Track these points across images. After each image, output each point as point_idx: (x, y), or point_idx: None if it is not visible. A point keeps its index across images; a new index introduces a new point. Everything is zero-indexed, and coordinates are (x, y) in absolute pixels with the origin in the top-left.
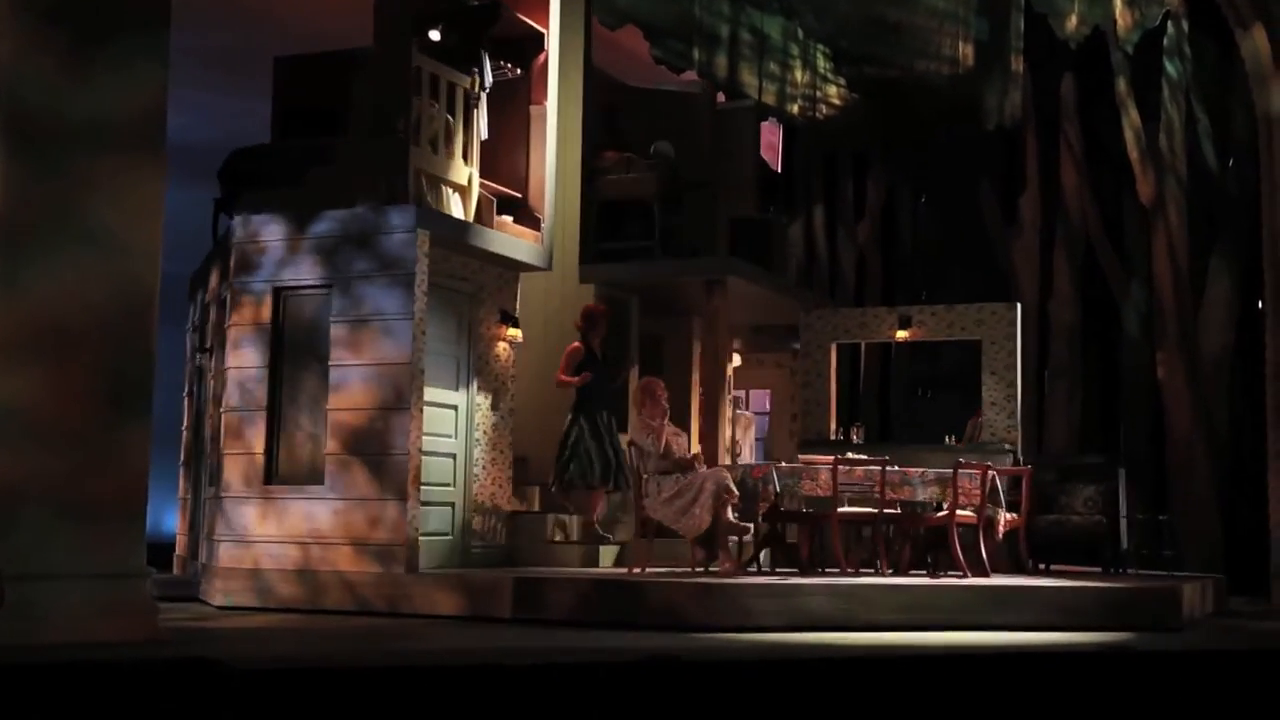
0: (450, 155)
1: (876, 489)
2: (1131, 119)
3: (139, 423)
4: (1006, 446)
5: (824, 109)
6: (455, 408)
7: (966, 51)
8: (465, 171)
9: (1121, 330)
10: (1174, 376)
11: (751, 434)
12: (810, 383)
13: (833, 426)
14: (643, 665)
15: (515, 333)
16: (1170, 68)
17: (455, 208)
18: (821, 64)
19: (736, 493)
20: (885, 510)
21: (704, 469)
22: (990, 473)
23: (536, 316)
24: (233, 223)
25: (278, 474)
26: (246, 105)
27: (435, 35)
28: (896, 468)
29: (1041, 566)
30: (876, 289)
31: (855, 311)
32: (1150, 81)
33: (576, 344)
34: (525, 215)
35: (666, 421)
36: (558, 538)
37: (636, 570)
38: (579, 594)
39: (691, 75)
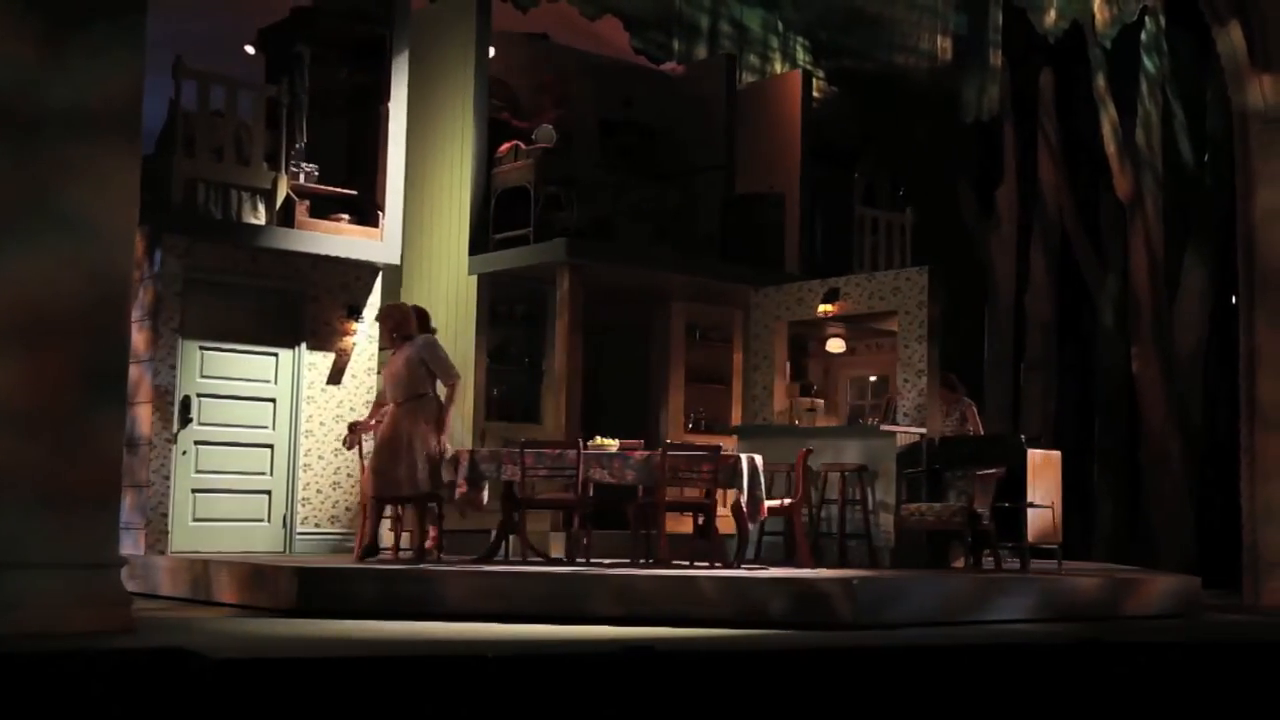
0: (246, 161)
1: (572, 472)
2: (1109, 114)
3: (113, 410)
4: (876, 425)
5: None
6: (273, 400)
7: (945, 45)
8: (269, 176)
9: (1097, 323)
10: (1149, 369)
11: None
12: (758, 365)
13: (777, 409)
14: (620, 656)
15: (356, 326)
16: (1148, 63)
17: (253, 212)
18: (801, 56)
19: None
20: (585, 496)
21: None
22: (737, 457)
23: (437, 310)
24: None
25: None
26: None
27: (250, 50)
28: (595, 450)
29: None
30: None
31: (794, 287)
32: (1128, 76)
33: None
34: (372, 213)
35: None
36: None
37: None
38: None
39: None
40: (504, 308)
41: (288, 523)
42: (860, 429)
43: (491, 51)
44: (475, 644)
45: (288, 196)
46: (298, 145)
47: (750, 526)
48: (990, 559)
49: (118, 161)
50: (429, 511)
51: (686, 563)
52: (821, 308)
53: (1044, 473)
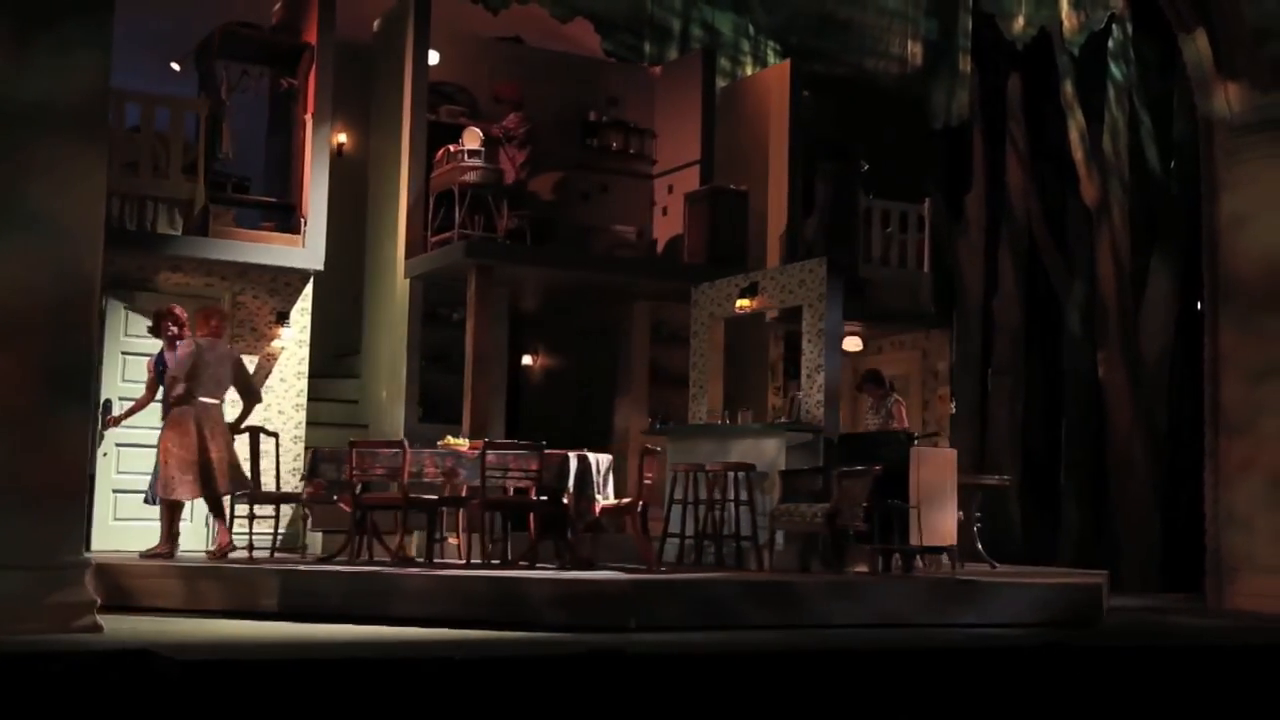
0: (163, 174)
1: (400, 474)
2: (1077, 120)
3: (78, 409)
4: (775, 422)
5: None
6: None
7: (915, 50)
8: (187, 187)
9: (1064, 329)
10: (1115, 374)
11: None
12: (696, 364)
13: (715, 408)
14: (582, 659)
15: (283, 330)
16: (1115, 70)
17: (170, 223)
18: (772, 60)
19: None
20: (411, 496)
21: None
22: (566, 455)
23: (379, 313)
24: None
25: None
26: (180, 89)
27: (176, 66)
28: (434, 451)
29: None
30: None
31: (724, 283)
32: (1095, 83)
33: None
34: (297, 220)
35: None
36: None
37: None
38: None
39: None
40: (445, 310)
41: (209, 523)
42: (756, 427)
43: (436, 57)
44: (439, 645)
45: (205, 206)
46: (221, 155)
47: (584, 524)
48: (899, 559)
49: (84, 160)
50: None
51: (527, 564)
52: (739, 303)
53: (934, 472)
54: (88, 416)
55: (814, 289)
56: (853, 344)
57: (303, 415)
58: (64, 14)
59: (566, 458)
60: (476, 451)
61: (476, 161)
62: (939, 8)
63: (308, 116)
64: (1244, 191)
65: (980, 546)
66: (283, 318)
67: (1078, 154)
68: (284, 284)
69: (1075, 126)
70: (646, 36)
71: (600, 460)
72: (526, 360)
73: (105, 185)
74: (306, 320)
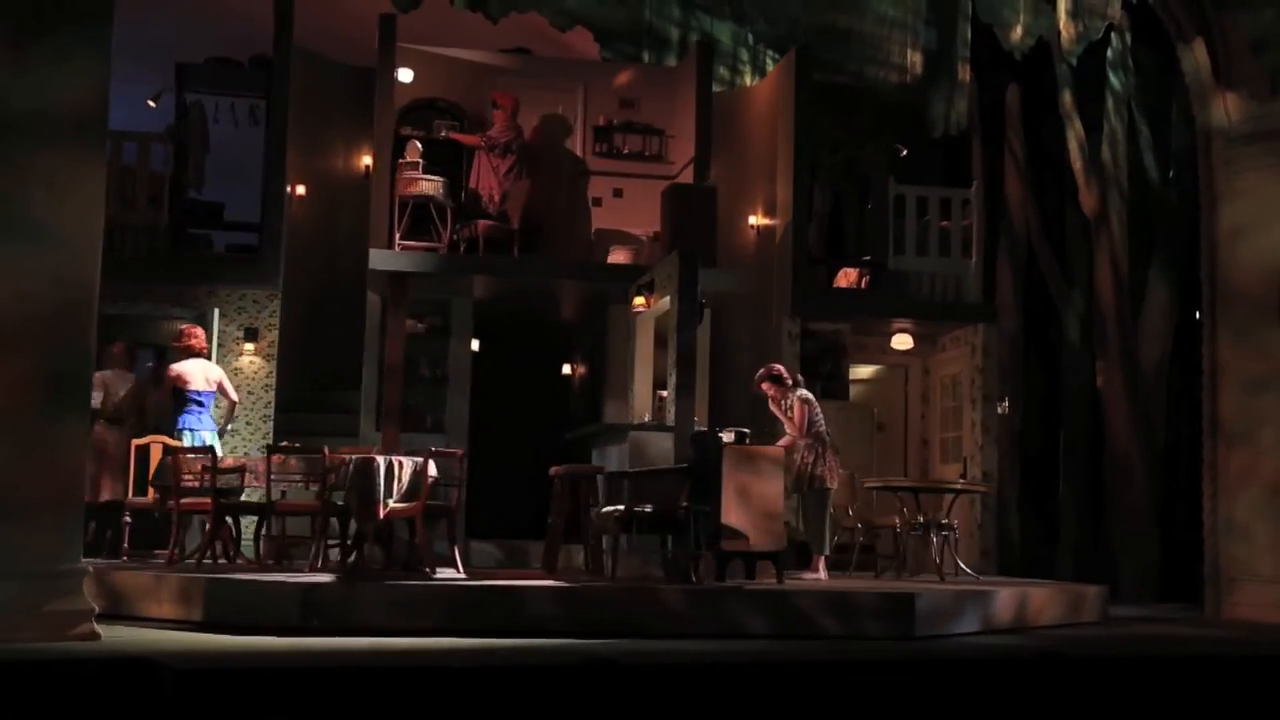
0: (131, 201)
1: (208, 480)
2: (1075, 130)
3: (76, 418)
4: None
5: None
6: None
7: (915, 59)
8: (149, 214)
9: (1063, 338)
10: (1113, 385)
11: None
12: (628, 363)
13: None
14: (573, 669)
15: (249, 346)
16: (1114, 80)
17: (135, 248)
18: (771, 69)
19: None
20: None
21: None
22: (346, 458)
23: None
24: None
25: None
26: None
27: (152, 104)
28: (250, 458)
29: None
30: None
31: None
32: (1094, 93)
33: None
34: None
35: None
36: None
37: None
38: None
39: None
40: (410, 321)
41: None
42: (613, 429)
43: (411, 74)
44: (436, 655)
45: (169, 231)
46: (190, 183)
47: (371, 526)
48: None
49: (83, 168)
50: None
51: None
52: (635, 300)
53: (756, 473)
54: (86, 426)
55: (673, 283)
56: (902, 341)
57: (270, 426)
58: (62, 22)
59: (349, 460)
60: (279, 459)
61: (415, 174)
62: (938, 17)
63: (270, 141)
64: (1242, 201)
65: (939, 558)
66: (250, 334)
67: (1076, 163)
68: (251, 302)
69: (1074, 136)
70: (645, 45)
71: (400, 463)
72: (566, 370)
73: (104, 194)
74: (274, 336)
